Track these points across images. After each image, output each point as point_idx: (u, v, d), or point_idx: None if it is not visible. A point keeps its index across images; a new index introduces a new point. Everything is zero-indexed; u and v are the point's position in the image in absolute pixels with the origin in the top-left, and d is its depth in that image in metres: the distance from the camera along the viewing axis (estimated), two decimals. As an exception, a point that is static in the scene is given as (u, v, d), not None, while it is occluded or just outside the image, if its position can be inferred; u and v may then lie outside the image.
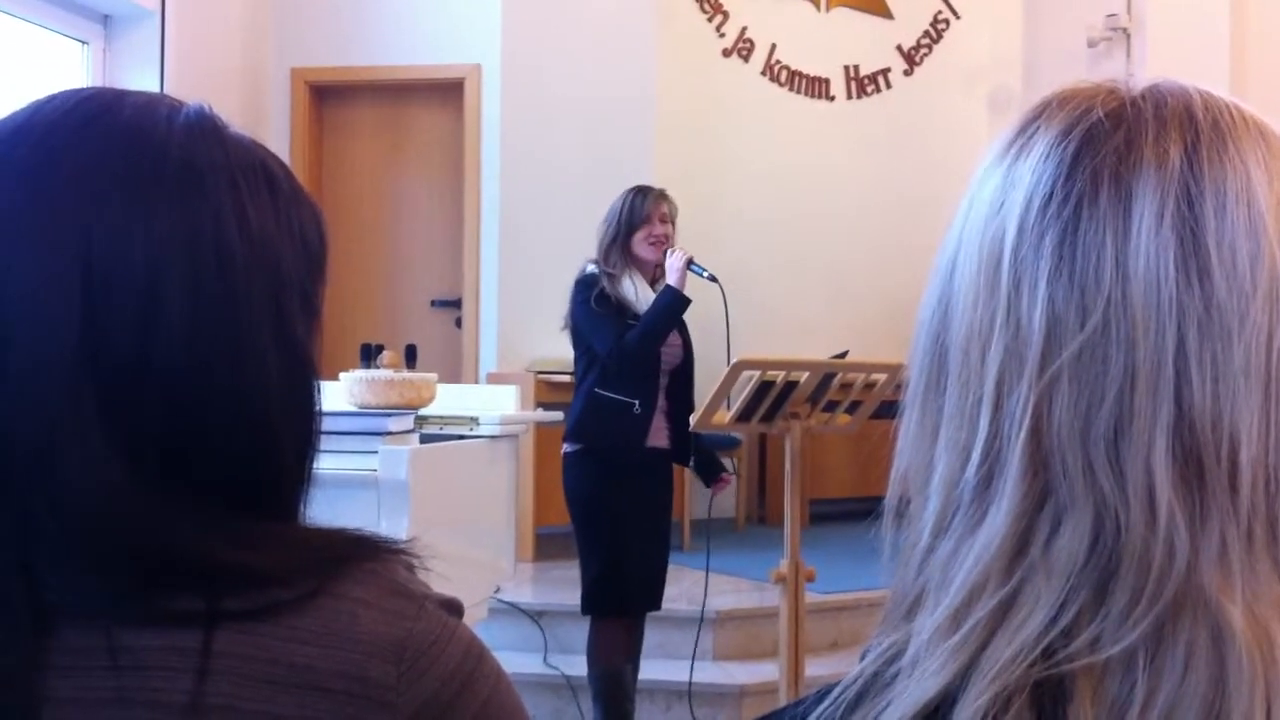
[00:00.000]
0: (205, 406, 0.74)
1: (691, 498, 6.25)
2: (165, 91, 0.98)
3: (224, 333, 0.75)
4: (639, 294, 3.89)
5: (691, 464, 4.14)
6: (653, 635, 4.27)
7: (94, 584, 0.71)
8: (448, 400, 3.41)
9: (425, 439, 3.14)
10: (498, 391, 3.91)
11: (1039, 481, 0.58)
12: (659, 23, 6.74)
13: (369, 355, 3.26)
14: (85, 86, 0.81)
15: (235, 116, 0.83)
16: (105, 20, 5.40)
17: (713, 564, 4.22)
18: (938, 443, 0.62)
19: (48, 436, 0.70)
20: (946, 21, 7.93)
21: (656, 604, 3.99)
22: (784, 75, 7.65)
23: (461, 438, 3.31)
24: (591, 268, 3.96)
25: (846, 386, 3.71)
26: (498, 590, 3.77)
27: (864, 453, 6.03)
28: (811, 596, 4.03)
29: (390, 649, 0.73)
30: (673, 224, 4.03)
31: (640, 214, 3.94)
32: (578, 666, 4.28)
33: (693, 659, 4.37)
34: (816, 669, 3.85)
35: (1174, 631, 0.54)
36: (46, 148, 0.75)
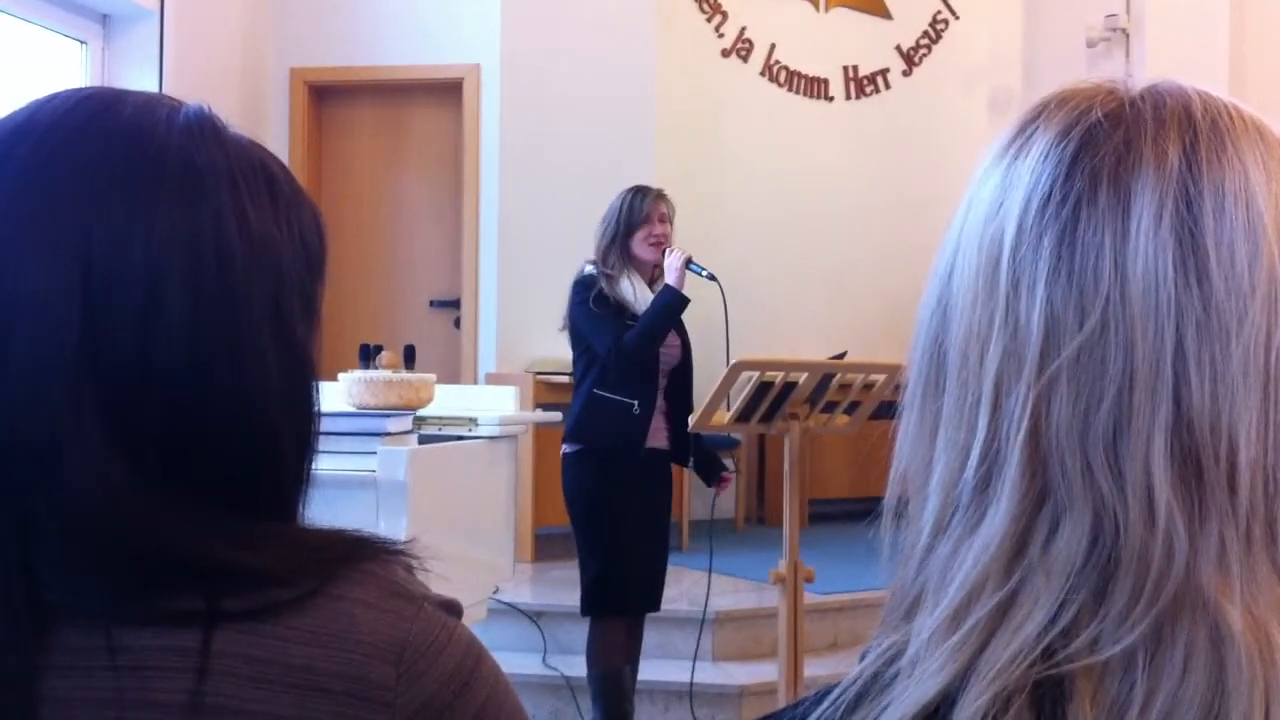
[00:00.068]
0: (205, 406, 0.74)
1: (691, 498, 6.25)
2: (164, 91, 0.98)
3: (224, 333, 0.75)
4: (637, 294, 3.89)
5: (691, 464, 4.14)
6: (652, 636, 4.28)
7: (94, 584, 0.71)
8: (446, 401, 3.41)
9: (424, 440, 3.14)
10: (496, 392, 3.91)
11: (1038, 482, 0.58)
12: (659, 23, 6.74)
13: (368, 356, 3.26)
14: (84, 86, 0.81)
15: (234, 116, 0.83)
16: (104, 20, 5.40)
17: (712, 564, 4.22)
18: (936, 443, 0.62)
19: (48, 436, 0.70)
20: (946, 22, 7.94)
21: (656, 605, 3.99)
22: (783, 75, 7.66)
23: (460, 438, 3.31)
24: (590, 268, 3.96)
25: (845, 387, 3.71)
26: (496, 591, 3.77)
27: (863, 453, 6.03)
28: (810, 597, 4.03)
29: (389, 650, 0.73)
30: (670, 223, 4.03)
31: (639, 214, 3.94)
32: (577, 667, 4.28)
33: (694, 659, 4.37)
34: (816, 669, 3.85)
35: (1173, 632, 0.54)
36: (46, 148, 0.75)
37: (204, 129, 0.79)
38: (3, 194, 0.74)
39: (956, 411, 0.61)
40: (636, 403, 3.87)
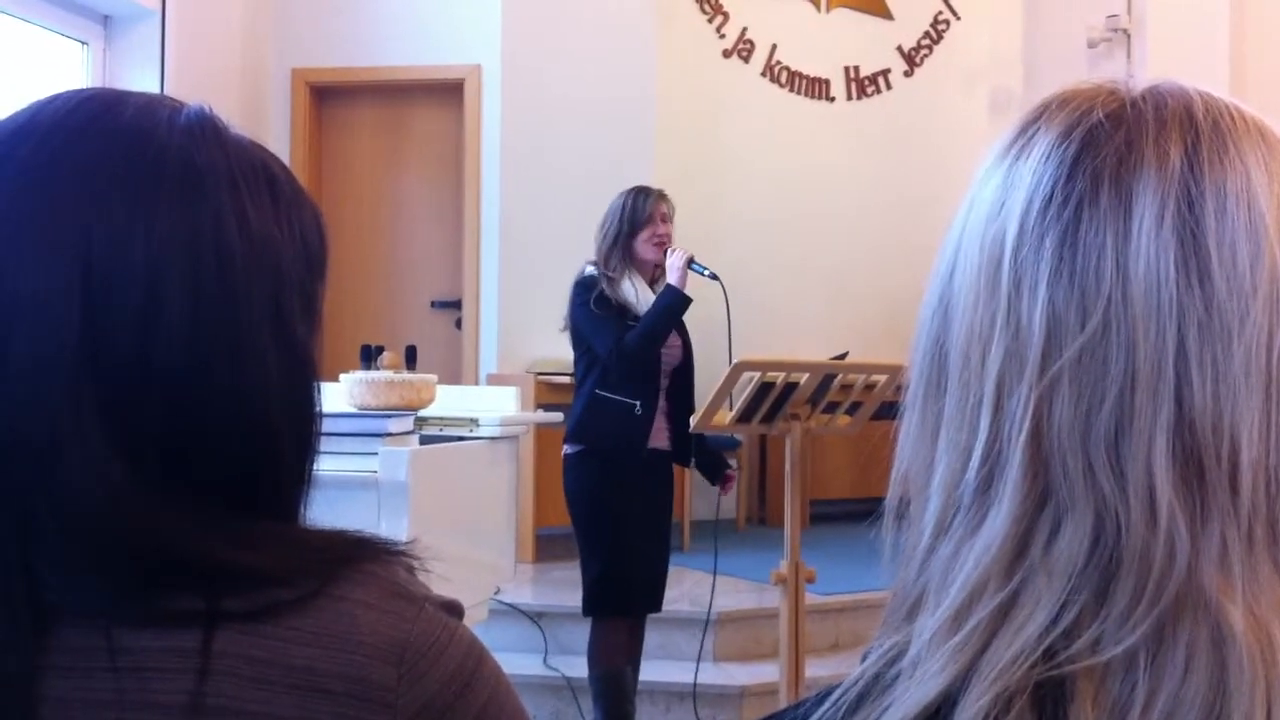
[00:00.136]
0: (205, 407, 0.74)
1: (692, 499, 6.24)
2: (165, 92, 0.98)
3: (224, 333, 0.75)
4: (639, 295, 3.89)
5: (693, 464, 4.14)
6: (653, 636, 4.28)
7: (94, 584, 0.71)
8: (447, 401, 3.41)
9: (425, 440, 3.14)
10: (498, 393, 3.91)
11: (1039, 483, 0.58)
12: (659, 23, 6.74)
13: (369, 356, 3.26)
14: (86, 87, 0.82)
15: (235, 117, 0.83)
16: (105, 21, 5.40)
17: (713, 565, 4.22)
18: (938, 444, 0.62)
19: (48, 436, 0.70)
20: (947, 22, 7.94)
21: (657, 605, 3.99)
22: (784, 76, 7.66)
23: (461, 439, 3.31)
24: (590, 269, 3.96)
25: (847, 388, 3.71)
26: (498, 591, 3.77)
27: (864, 454, 6.04)
28: (812, 597, 4.03)
29: (391, 651, 0.73)
30: (670, 223, 4.04)
31: (643, 214, 3.94)
32: (578, 668, 4.28)
33: (698, 659, 4.37)
34: (817, 670, 3.85)
35: (1175, 633, 0.54)
36: (48, 148, 0.75)
37: (205, 129, 0.79)
38: (3, 194, 0.74)
39: (958, 412, 0.61)
40: (638, 403, 3.87)
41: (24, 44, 5.02)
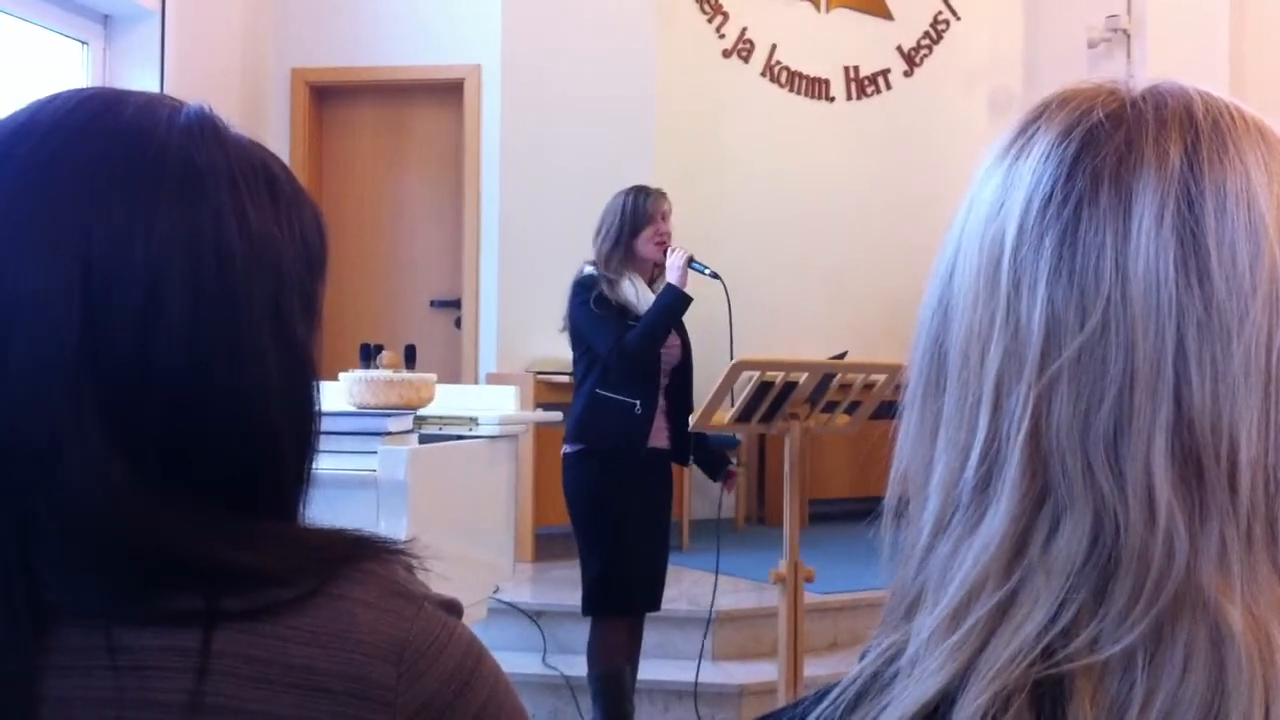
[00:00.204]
0: (205, 406, 0.74)
1: (691, 498, 6.25)
2: (165, 92, 0.98)
3: (224, 333, 0.75)
4: (640, 295, 3.89)
5: (692, 462, 4.14)
6: (652, 635, 4.28)
7: (94, 584, 0.71)
8: (447, 400, 3.41)
9: (424, 439, 3.14)
10: (497, 392, 3.91)
11: (1038, 482, 0.58)
12: (659, 23, 6.74)
13: (368, 355, 3.26)
14: (85, 87, 0.82)
15: (235, 117, 0.83)
16: (105, 20, 5.40)
17: (712, 564, 4.22)
18: (937, 443, 0.62)
19: (48, 436, 0.70)
20: (946, 22, 7.94)
21: (656, 604, 3.99)
22: (784, 76, 7.66)
23: (461, 438, 3.31)
24: (589, 269, 3.96)
25: (846, 387, 3.71)
26: (497, 590, 3.77)
27: (863, 453, 6.03)
28: (811, 597, 4.03)
29: (390, 649, 0.73)
30: (669, 222, 4.04)
31: (644, 213, 3.94)
32: (577, 667, 4.28)
33: (700, 658, 4.37)
34: (815, 669, 3.85)
35: (1173, 632, 0.54)
36: (47, 148, 0.75)
37: (205, 129, 0.79)
38: (3, 194, 0.74)
39: (957, 411, 0.61)
40: (638, 402, 3.87)
41: (24, 43, 5.02)
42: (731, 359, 3.47)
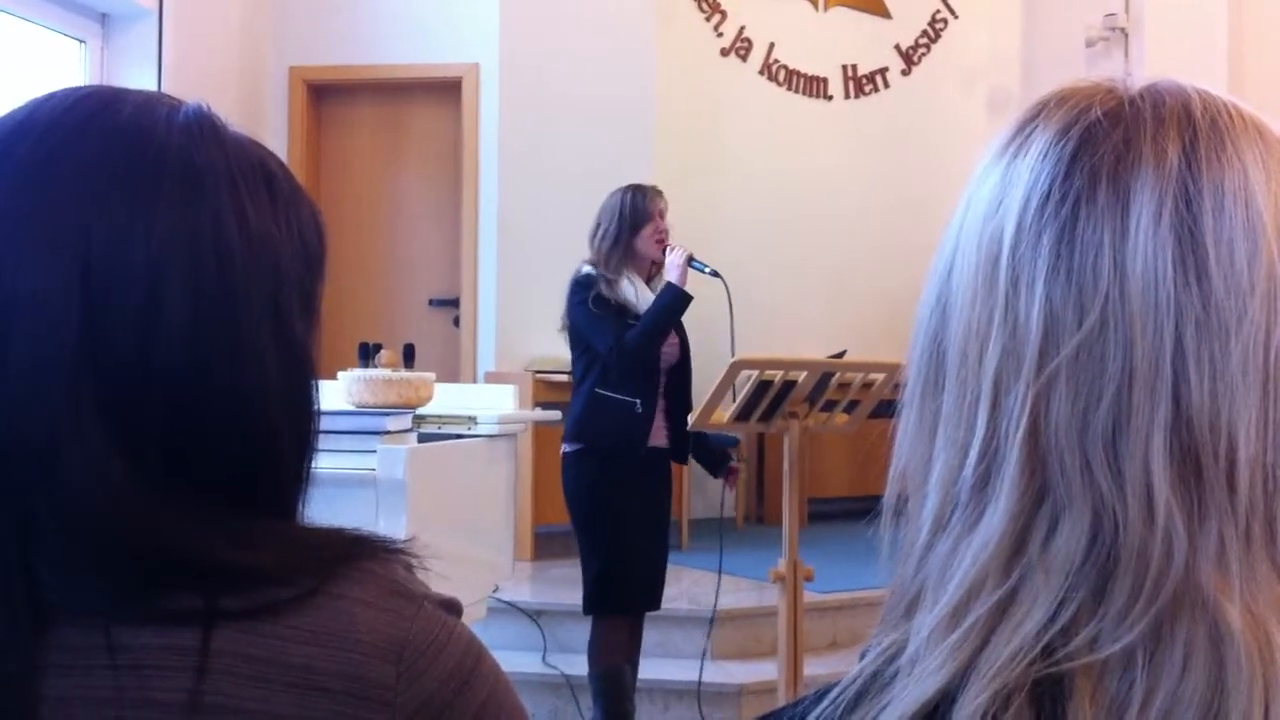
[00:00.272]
0: (205, 406, 0.74)
1: (690, 497, 6.25)
2: (163, 90, 0.98)
3: (224, 332, 0.75)
4: (639, 295, 3.89)
5: (692, 460, 4.14)
6: (652, 635, 4.28)
7: (94, 584, 0.71)
8: (446, 399, 3.41)
9: (423, 438, 3.14)
10: (496, 391, 3.91)
11: (1037, 480, 0.58)
12: (658, 22, 6.74)
13: (367, 354, 3.26)
14: (83, 85, 0.81)
15: (233, 115, 0.83)
16: (103, 19, 5.40)
17: (711, 564, 4.22)
18: (936, 441, 0.62)
19: (48, 436, 0.70)
20: (945, 21, 7.94)
21: (656, 604, 3.99)
22: (782, 75, 7.66)
23: (459, 437, 3.31)
24: (587, 269, 3.95)
25: (845, 386, 3.71)
26: (496, 589, 3.77)
27: (862, 452, 6.04)
28: (810, 596, 4.03)
29: (389, 649, 0.73)
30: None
31: (644, 212, 3.93)
32: (576, 666, 4.28)
33: (702, 658, 4.37)
34: (815, 668, 3.85)
35: (1172, 631, 0.54)
36: (46, 146, 0.75)
37: (203, 128, 0.79)
38: (2, 193, 0.74)
39: (956, 409, 0.61)
40: (639, 401, 3.87)
41: (22, 42, 5.01)
42: (733, 357, 3.47)
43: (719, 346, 4.04)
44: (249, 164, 0.80)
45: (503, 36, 6.31)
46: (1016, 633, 0.56)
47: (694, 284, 3.91)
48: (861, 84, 7.81)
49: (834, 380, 3.61)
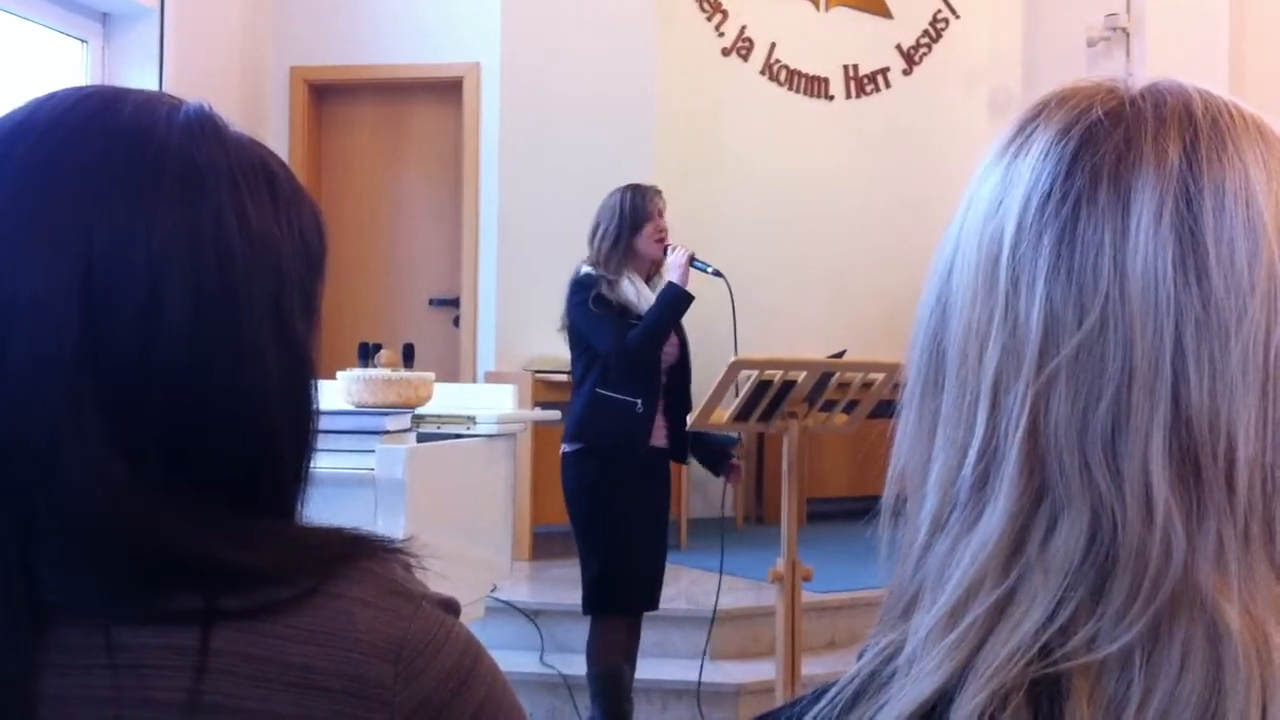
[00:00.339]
0: (205, 406, 0.74)
1: (689, 497, 6.24)
2: (164, 90, 0.98)
3: (224, 332, 0.75)
4: (640, 295, 3.89)
5: (692, 459, 4.13)
6: (650, 634, 4.28)
7: (94, 584, 0.71)
8: (445, 399, 3.40)
9: (422, 438, 3.13)
10: (495, 390, 3.91)
11: (1036, 480, 0.58)
12: (659, 22, 6.73)
13: (367, 354, 3.26)
14: (84, 85, 0.81)
15: (234, 115, 0.83)
16: (104, 19, 5.40)
17: (710, 563, 4.22)
18: (935, 441, 0.62)
19: (48, 436, 0.70)
20: (946, 21, 7.93)
21: (655, 604, 3.99)
22: (783, 74, 7.66)
23: (459, 437, 3.31)
24: (587, 269, 3.95)
25: (844, 386, 3.71)
26: (494, 589, 3.77)
27: (861, 452, 6.03)
28: (808, 596, 4.03)
29: (388, 648, 0.73)
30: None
31: (643, 211, 3.93)
32: (574, 665, 4.28)
33: (703, 657, 4.37)
34: (813, 668, 3.85)
35: (1170, 630, 0.54)
36: (46, 146, 0.75)
37: (204, 127, 0.79)
38: (2, 193, 0.74)
39: (955, 409, 0.61)
40: (640, 401, 3.86)
41: (23, 42, 5.01)
42: (736, 356, 3.47)
43: (720, 346, 4.03)
44: (250, 164, 0.80)
45: (503, 36, 6.31)
46: (1014, 633, 0.56)
47: (695, 284, 3.91)
48: (862, 84, 7.81)
49: (833, 380, 3.61)
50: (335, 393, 3.12)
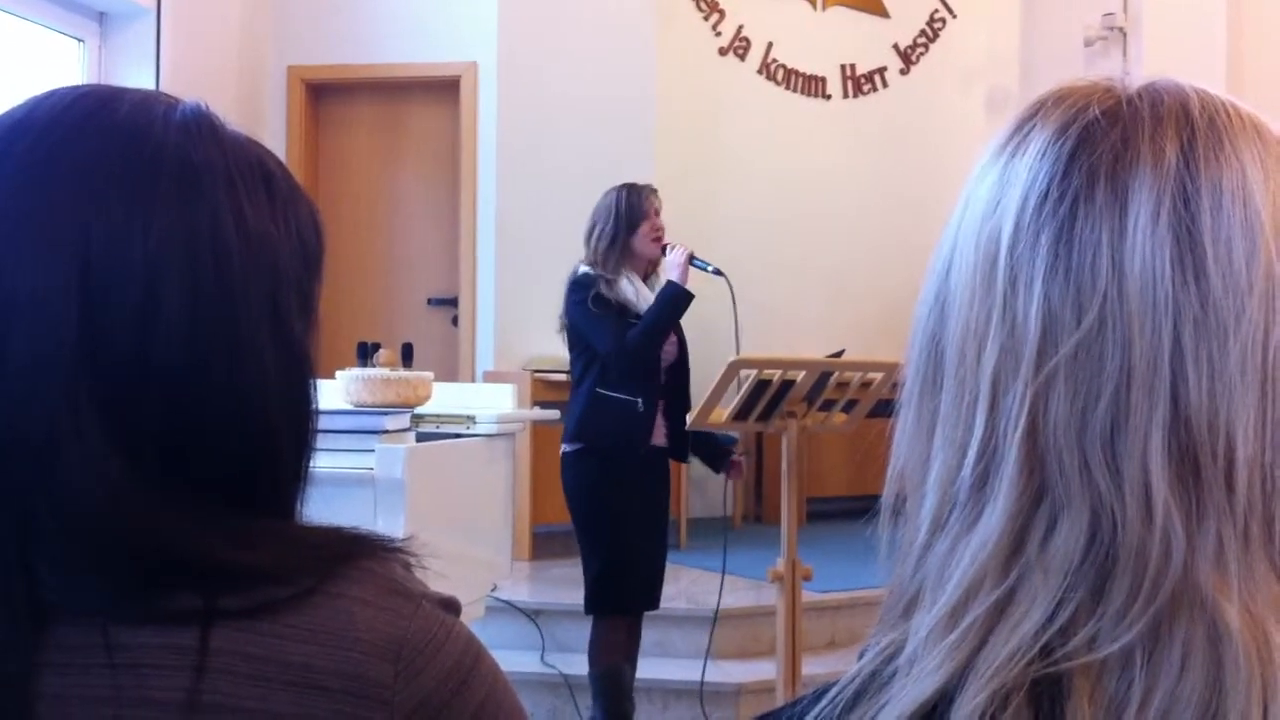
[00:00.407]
0: (203, 404, 0.74)
1: (689, 496, 6.24)
2: (161, 89, 0.98)
3: (222, 331, 0.75)
4: (639, 294, 3.89)
5: (692, 457, 4.13)
6: (650, 634, 4.28)
7: (94, 584, 0.71)
8: (444, 399, 3.40)
9: (421, 437, 3.14)
10: (494, 390, 3.91)
11: (1035, 480, 0.58)
12: (658, 22, 6.73)
13: (365, 353, 3.26)
14: (81, 84, 0.81)
15: (231, 114, 0.83)
16: (101, 18, 5.40)
17: (710, 563, 4.22)
18: (934, 441, 0.62)
19: (46, 434, 0.70)
20: (943, 20, 7.94)
21: (655, 603, 3.99)
22: (780, 74, 7.66)
23: (458, 436, 3.31)
24: (584, 269, 3.95)
25: (843, 385, 3.71)
26: (494, 589, 3.77)
27: (861, 451, 6.03)
28: (808, 595, 4.03)
29: (388, 647, 0.73)
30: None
31: (639, 210, 3.93)
32: (575, 665, 4.28)
33: (706, 656, 4.36)
34: (813, 668, 3.85)
35: (1171, 630, 0.54)
36: (44, 145, 0.75)
37: (201, 126, 0.79)
38: (1, 191, 0.74)
39: (954, 409, 0.61)
40: (640, 400, 3.86)
41: (19, 41, 5.01)
42: (738, 355, 3.47)
43: (720, 346, 4.03)
44: (247, 163, 0.80)
45: (501, 36, 6.31)
46: (1015, 632, 0.56)
47: (694, 283, 3.91)
48: (860, 83, 7.81)
49: (832, 379, 3.61)
50: (334, 392, 3.12)
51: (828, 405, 3.71)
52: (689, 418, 3.69)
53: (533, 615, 4.83)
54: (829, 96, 7.75)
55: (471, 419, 3.32)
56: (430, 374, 3.30)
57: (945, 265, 0.64)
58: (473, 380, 6.14)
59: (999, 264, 0.60)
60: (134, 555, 0.71)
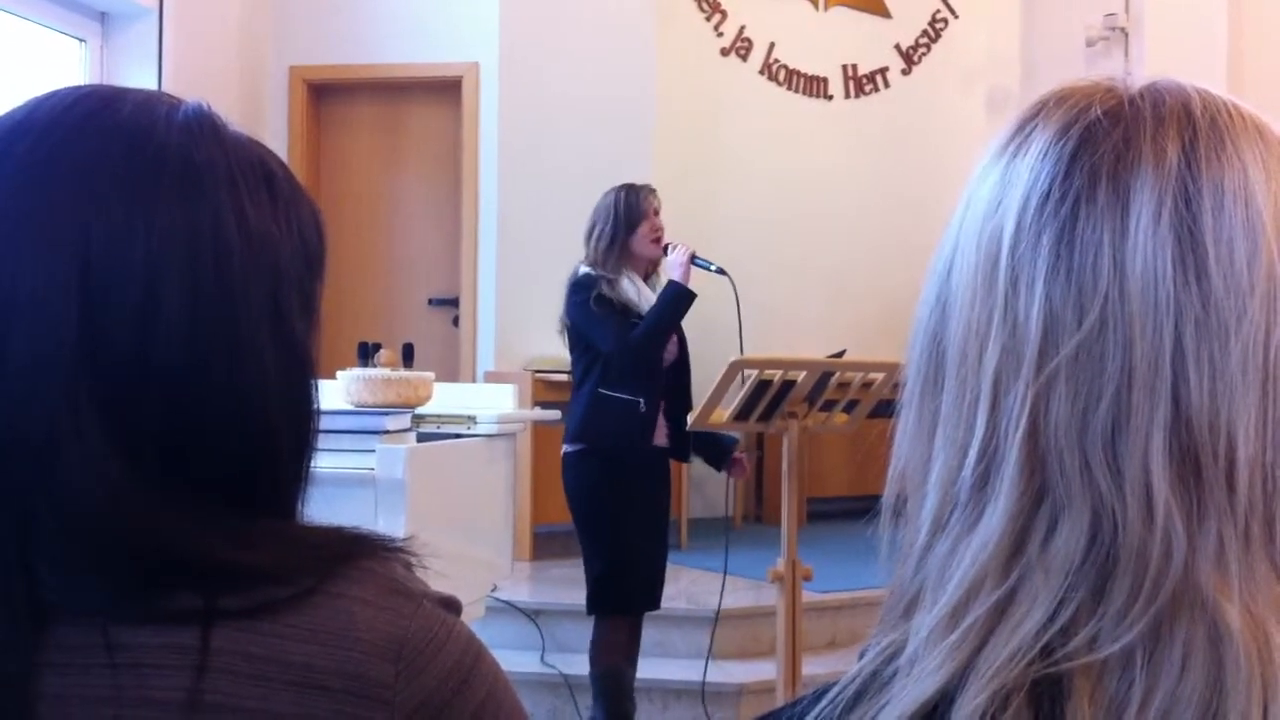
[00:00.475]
0: (204, 404, 0.74)
1: (689, 496, 6.24)
2: (163, 89, 0.98)
3: (222, 331, 0.75)
4: (640, 294, 3.89)
5: (694, 456, 4.13)
6: (650, 634, 4.28)
7: (94, 584, 0.71)
8: (445, 399, 3.40)
9: (422, 438, 3.14)
10: (495, 390, 3.91)
11: (1036, 480, 0.58)
12: (658, 22, 6.73)
13: (366, 353, 3.26)
14: (83, 84, 0.81)
15: (233, 114, 0.83)
16: (103, 18, 5.40)
17: (710, 563, 4.22)
18: (935, 441, 0.62)
19: (46, 434, 0.70)
20: (945, 21, 7.94)
21: (656, 603, 3.99)
22: (782, 74, 7.66)
23: (459, 436, 3.31)
24: (585, 269, 3.94)
25: (844, 385, 3.71)
26: (495, 589, 3.77)
27: (861, 451, 6.03)
28: (809, 595, 4.03)
29: (388, 647, 0.73)
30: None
31: (638, 210, 3.93)
32: (575, 665, 4.28)
33: (708, 656, 4.36)
34: (814, 668, 3.85)
35: (1171, 630, 0.54)
36: (45, 145, 0.75)
37: (203, 127, 0.79)
38: (2, 191, 0.74)
39: (955, 409, 0.61)
40: (642, 400, 3.86)
41: (21, 41, 5.01)
42: (741, 355, 3.46)
43: (721, 346, 4.03)
44: (248, 163, 0.80)
45: (502, 36, 6.31)
46: (1015, 633, 0.56)
47: (696, 282, 3.91)
48: (861, 84, 7.81)
49: (833, 380, 3.61)
50: (335, 392, 3.12)
51: (829, 405, 3.71)
52: (690, 418, 3.68)
53: (533, 615, 4.83)
54: (830, 97, 7.75)
55: (472, 419, 3.32)
56: (431, 374, 3.30)
57: (946, 266, 0.64)
58: (473, 380, 6.14)
59: (1000, 264, 0.60)
60: (134, 555, 0.71)
